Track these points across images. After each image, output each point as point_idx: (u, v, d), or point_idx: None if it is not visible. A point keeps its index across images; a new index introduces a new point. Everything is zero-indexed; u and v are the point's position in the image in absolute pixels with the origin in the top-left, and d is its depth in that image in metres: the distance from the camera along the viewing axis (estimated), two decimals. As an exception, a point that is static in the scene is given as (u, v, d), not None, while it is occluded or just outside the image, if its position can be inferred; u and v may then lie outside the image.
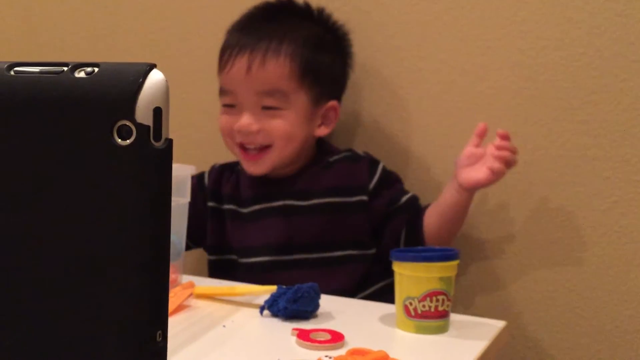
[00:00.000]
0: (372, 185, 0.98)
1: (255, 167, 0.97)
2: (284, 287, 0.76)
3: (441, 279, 0.71)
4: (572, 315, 0.99)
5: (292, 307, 0.73)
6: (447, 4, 1.03)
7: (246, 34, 0.97)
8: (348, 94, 1.06)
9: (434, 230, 0.95)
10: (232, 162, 1.06)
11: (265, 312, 0.75)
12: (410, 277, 0.71)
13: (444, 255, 0.73)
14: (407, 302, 0.71)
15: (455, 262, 0.73)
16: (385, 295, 0.90)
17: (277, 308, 0.73)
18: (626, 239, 0.96)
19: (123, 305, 0.33)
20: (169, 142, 0.33)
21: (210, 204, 1.03)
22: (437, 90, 1.05)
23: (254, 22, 0.99)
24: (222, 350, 0.64)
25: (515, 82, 1.00)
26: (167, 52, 1.25)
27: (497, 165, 0.88)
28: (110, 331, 0.33)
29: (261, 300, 0.77)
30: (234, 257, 1.01)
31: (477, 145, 0.91)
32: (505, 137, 0.89)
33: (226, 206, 1.02)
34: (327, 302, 0.79)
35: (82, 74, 0.33)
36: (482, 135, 0.92)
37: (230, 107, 0.97)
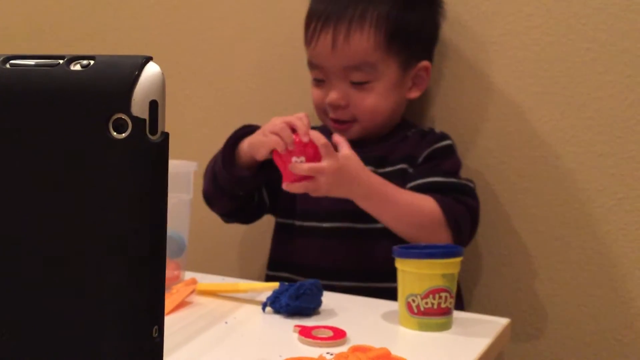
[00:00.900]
0: (421, 158, 0.95)
1: (345, 135, 0.96)
2: (286, 283, 0.75)
3: (444, 275, 0.70)
4: (577, 313, 0.98)
5: (294, 303, 0.72)
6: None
7: (330, 3, 0.94)
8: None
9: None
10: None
11: (268, 308, 0.74)
12: (413, 274, 0.71)
13: (447, 252, 0.72)
14: (409, 299, 0.71)
15: (458, 259, 0.72)
16: None
17: (279, 305, 0.73)
18: (632, 236, 0.95)
19: (119, 301, 0.32)
20: (165, 135, 0.33)
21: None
22: (440, 86, 1.05)
23: None
24: (224, 346, 0.64)
25: (520, 78, 0.99)
26: (167, 48, 1.24)
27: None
28: (107, 326, 0.32)
29: (263, 297, 0.76)
30: (301, 222, 0.99)
31: None
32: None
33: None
34: (330, 299, 0.78)
35: (77, 67, 0.33)
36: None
37: (320, 82, 0.97)
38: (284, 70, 1.09)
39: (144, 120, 0.32)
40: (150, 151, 0.32)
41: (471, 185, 0.94)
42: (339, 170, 0.83)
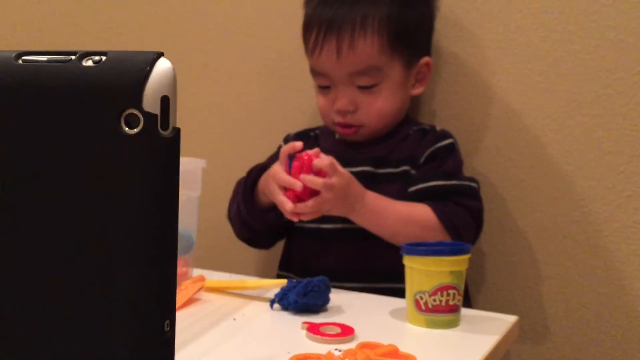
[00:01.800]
0: (422, 158, 0.94)
1: (351, 138, 0.98)
2: (294, 280, 0.75)
3: (452, 273, 0.70)
4: (585, 311, 0.98)
5: (302, 300, 0.73)
6: (459, -3, 1.02)
7: (329, 10, 0.94)
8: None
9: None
10: (306, 129, 1.06)
11: (276, 305, 0.75)
12: (421, 271, 0.71)
13: (455, 249, 0.72)
14: (417, 296, 0.71)
15: (466, 256, 0.72)
16: None
17: (287, 301, 0.73)
18: (641, 234, 0.95)
19: (131, 295, 0.33)
20: (177, 131, 0.33)
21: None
22: (449, 84, 1.04)
23: None
24: (232, 343, 0.65)
25: (528, 75, 0.99)
26: (178, 46, 1.25)
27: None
28: (119, 321, 0.33)
29: (271, 294, 0.77)
30: (303, 224, 0.98)
31: None
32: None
33: None
34: (337, 296, 0.79)
35: (89, 63, 0.33)
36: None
37: (325, 89, 0.97)
38: (293, 67, 1.09)
39: (156, 115, 0.32)
40: (161, 146, 0.32)
41: (473, 185, 0.93)
42: (345, 186, 0.84)
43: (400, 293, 0.81)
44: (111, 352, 0.33)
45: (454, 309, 0.71)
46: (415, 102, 1.07)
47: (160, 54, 0.33)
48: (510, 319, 0.74)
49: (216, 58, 1.23)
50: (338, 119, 0.96)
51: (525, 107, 1.00)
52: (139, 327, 0.33)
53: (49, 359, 0.34)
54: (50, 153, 0.34)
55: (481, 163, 1.03)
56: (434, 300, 0.70)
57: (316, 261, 0.96)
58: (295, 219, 0.85)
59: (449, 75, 1.05)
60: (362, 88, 0.94)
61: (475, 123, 1.03)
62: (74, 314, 0.33)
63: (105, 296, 0.33)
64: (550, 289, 1.00)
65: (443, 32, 1.04)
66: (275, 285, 0.79)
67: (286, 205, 0.84)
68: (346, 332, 0.66)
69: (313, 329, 0.66)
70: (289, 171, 0.85)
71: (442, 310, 0.70)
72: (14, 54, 0.34)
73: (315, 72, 0.98)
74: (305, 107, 1.13)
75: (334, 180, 0.83)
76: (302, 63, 1.04)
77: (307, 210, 0.83)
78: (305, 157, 0.84)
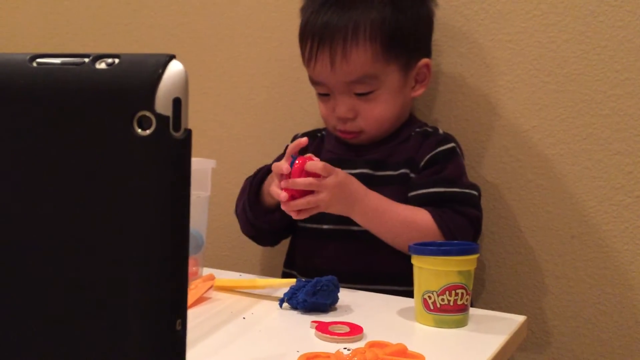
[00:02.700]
0: (423, 162, 0.94)
1: (353, 142, 0.98)
2: (303, 280, 0.76)
3: (460, 272, 0.71)
4: (593, 311, 0.98)
5: (311, 299, 0.73)
6: (467, -3, 1.02)
7: (321, 20, 0.93)
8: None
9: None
10: (315, 130, 1.07)
11: (285, 304, 0.75)
12: (429, 270, 0.71)
13: (463, 249, 0.72)
14: (426, 296, 0.71)
15: (474, 256, 0.72)
16: None
17: (296, 301, 0.74)
18: (649, 234, 0.94)
19: (143, 294, 0.33)
20: (188, 132, 0.33)
21: None
22: (457, 84, 1.05)
23: (324, 4, 0.94)
24: (242, 342, 0.65)
25: (536, 75, 0.99)
26: (188, 47, 1.25)
27: None
28: (131, 319, 0.33)
29: (280, 293, 0.77)
30: (304, 224, 0.99)
31: None
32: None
33: None
34: (346, 296, 0.79)
35: (102, 65, 0.33)
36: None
37: (325, 96, 0.98)
38: (302, 69, 1.09)
39: (168, 117, 0.33)
40: (173, 147, 0.33)
41: (474, 193, 0.92)
42: (339, 185, 0.84)
43: (400, 296, 0.81)
44: (124, 350, 0.33)
45: (463, 309, 0.71)
46: (421, 103, 1.07)
47: (172, 57, 0.33)
48: (519, 319, 0.74)
49: (225, 59, 1.24)
50: (339, 125, 0.97)
51: (533, 107, 1.00)
52: (151, 326, 0.33)
53: (61, 358, 0.35)
54: (63, 154, 0.34)
55: (488, 163, 1.03)
56: (442, 299, 0.70)
57: (316, 261, 0.97)
58: (294, 216, 0.86)
59: (456, 76, 1.05)
60: (360, 95, 0.94)
61: (482, 123, 1.03)
62: (87, 313, 0.34)
63: (117, 296, 0.33)
64: (558, 289, 1.00)
65: (451, 33, 1.04)
66: (285, 284, 0.79)
67: (280, 195, 0.84)
68: (355, 331, 0.66)
69: (322, 328, 0.66)
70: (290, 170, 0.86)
71: (451, 309, 0.70)
72: (28, 57, 0.35)
73: (313, 81, 0.98)
74: (313, 108, 1.13)
75: (328, 180, 0.83)
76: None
77: (300, 206, 0.84)
78: (299, 161, 0.84)
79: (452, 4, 1.03)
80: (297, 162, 0.84)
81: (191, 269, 0.85)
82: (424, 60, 0.97)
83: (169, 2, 1.27)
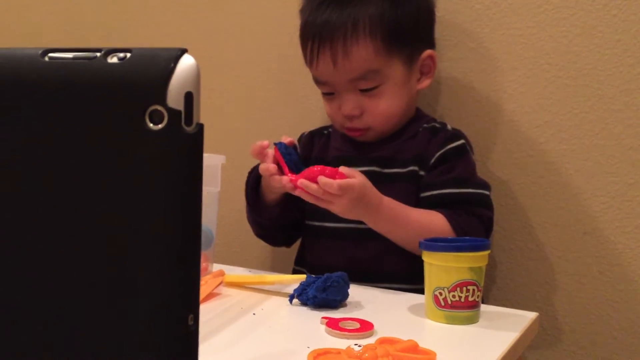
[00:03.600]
0: (433, 160, 0.93)
1: (361, 139, 0.97)
2: (313, 276, 0.76)
3: (471, 269, 0.70)
4: (606, 307, 0.97)
5: (321, 295, 0.73)
6: (478, -9, 1.01)
7: (319, 20, 0.93)
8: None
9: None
10: (321, 127, 1.07)
11: (295, 300, 0.75)
12: (440, 267, 0.71)
13: (475, 245, 0.72)
14: (437, 292, 0.71)
15: (485, 252, 0.72)
16: None
17: (306, 297, 0.74)
18: (663, 230, 0.94)
19: (155, 289, 0.33)
20: (200, 126, 0.33)
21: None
22: (468, 79, 1.04)
23: (322, 3, 0.94)
24: (252, 337, 0.65)
25: (548, 70, 0.98)
26: (197, 42, 1.25)
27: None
28: (143, 314, 0.33)
29: (290, 289, 0.77)
30: (310, 222, 1.00)
31: None
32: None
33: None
34: (356, 292, 0.79)
35: (114, 60, 0.33)
36: None
37: (330, 95, 0.97)
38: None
39: (180, 111, 0.32)
40: (185, 142, 0.33)
41: (486, 193, 0.92)
42: (353, 201, 0.82)
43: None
44: (136, 346, 0.33)
45: (474, 305, 0.71)
46: (432, 98, 1.07)
47: (184, 51, 0.33)
48: (530, 315, 0.74)
49: (236, 55, 1.24)
50: (346, 123, 0.96)
51: (545, 102, 0.99)
52: (164, 321, 0.33)
53: (76, 354, 0.35)
54: (74, 149, 0.34)
55: (499, 159, 1.02)
56: (453, 296, 0.70)
57: (323, 259, 0.96)
58: (296, 193, 0.84)
59: (467, 71, 1.04)
60: (365, 91, 0.93)
61: (493, 119, 1.02)
62: (99, 308, 0.34)
63: (130, 291, 0.33)
64: (570, 285, 0.99)
65: (461, 28, 1.04)
66: (294, 280, 0.79)
67: (282, 180, 0.84)
68: (365, 327, 0.66)
69: (332, 324, 0.66)
70: (285, 163, 0.86)
71: (462, 306, 0.70)
72: (40, 51, 0.35)
73: (317, 81, 0.98)
74: (323, 104, 1.13)
75: (342, 198, 0.81)
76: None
77: (311, 190, 0.81)
78: (317, 168, 0.83)
79: (463, -2, 1.02)
80: (315, 168, 0.83)
81: (202, 264, 0.85)
82: (428, 52, 0.96)
83: (178, -3, 1.27)
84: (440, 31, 1.03)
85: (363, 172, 0.92)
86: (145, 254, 0.33)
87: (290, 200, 0.94)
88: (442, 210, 0.87)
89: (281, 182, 0.85)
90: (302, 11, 0.98)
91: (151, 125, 0.33)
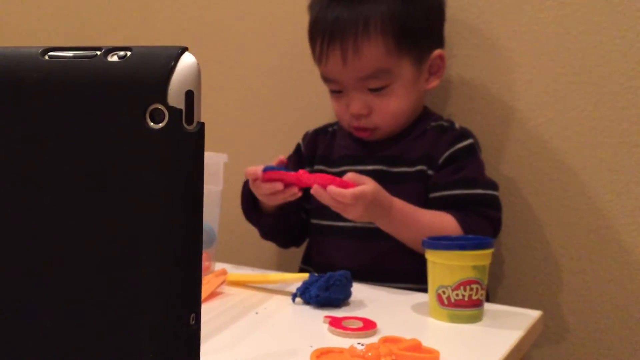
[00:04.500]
0: (441, 160, 0.93)
1: (368, 139, 0.97)
2: (316, 274, 0.76)
3: (475, 267, 0.70)
4: (610, 306, 0.97)
5: (324, 294, 0.73)
6: (482, -12, 1.01)
7: (330, 16, 0.92)
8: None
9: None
10: (325, 125, 1.06)
11: (297, 299, 0.75)
12: (444, 265, 0.71)
13: (478, 243, 0.72)
14: (440, 291, 0.70)
15: (489, 251, 0.72)
16: None
17: (309, 295, 0.74)
18: (668, 228, 0.93)
19: (157, 288, 0.33)
20: (201, 125, 0.33)
21: (307, 168, 1.02)
22: (471, 77, 1.03)
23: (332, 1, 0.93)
24: (254, 336, 0.65)
25: (552, 67, 0.98)
26: (199, 40, 1.25)
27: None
28: (144, 314, 0.33)
29: (293, 288, 0.77)
30: (316, 220, 0.99)
31: None
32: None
33: (316, 167, 1.01)
34: (359, 290, 0.79)
35: (115, 58, 0.33)
36: None
37: (338, 93, 0.96)
38: (311, 62, 1.09)
39: (181, 110, 0.32)
40: (186, 141, 0.32)
41: (495, 194, 0.92)
42: (364, 209, 0.81)
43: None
44: (138, 345, 0.33)
45: (477, 304, 0.70)
46: (437, 97, 1.06)
47: (184, 49, 0.33)
48: (534, 314, 0.74)
49: (237, 53, 1.23)
50: (353, 122, 0.96)
51: (549, 99, 0.98)
52: (165, 320, 0.33)
53: (77, 353, 0.34)
54: (74, 148, 0.34)
55: (504, 156, 1.02)
56: (457, 294, 0.70)
57: (329, 258, 0.96)
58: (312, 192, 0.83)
59: (471, 69, 1.03)
60: (374, 90, 0.93)
61: (498, 117, 1.02)
62: (101, 308, 0.34)
63: (130, 291, 0.33)
64: (575, 284, 0.99)
65: (465, 25, 1.03)
66: (297, 279, 0.79)
67: (292, 189, 0.85)
68: (368, 326, 0.65)
69: (335, 323, 0.66)
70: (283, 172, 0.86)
71: (465, 304, 0.70)
72: (40, 50, 0.34)
73: (325, 79, 0.97)
74: (325, 102, 1.13)
75: (365, 188, 0.80)
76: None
77: (323, 200, 0.81)
78: (329, 180, 0.82)
79: (466, -5, 1.02)
80: (325, 176, 0.82)
81: (204, 263, 0.85)
82: (437, 51, 0.95)
83: (181, -5, 1.27)
84: (444, 28, 1.02)
85: (370, 171, 0.92)
86: (146, 253, 0.33)
87: (290, 204, 0.94)
88: (451, 212, 0.87)
89: (288, 193, 0.85)
90: (312, 7, 0.97)
91: (152, 124, 0.32)
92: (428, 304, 0.73)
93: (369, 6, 0.91)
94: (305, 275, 0.77)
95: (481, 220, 0.88)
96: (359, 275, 0.83)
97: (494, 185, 0.93)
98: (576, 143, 0.97)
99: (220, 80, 1.24)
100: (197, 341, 0.34)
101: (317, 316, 0.70)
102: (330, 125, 1.06)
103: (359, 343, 0.60)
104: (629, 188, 0.95)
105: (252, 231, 1.05)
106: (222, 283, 0.79)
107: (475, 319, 0.71)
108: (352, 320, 0.67)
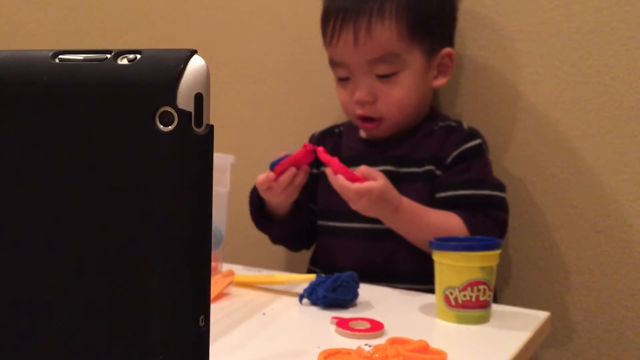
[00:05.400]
0: (449, 159, 0.93)
1: (374, 132, 0.97)
2: (323, 275, 0.76)
3: (482, 268, 0.70)
4: (618, 307, 0.96)
5: (331, 295, 0.73)
6: (488, -12, 1.01)
7: None
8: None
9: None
10: (331, 126, 1.07)
11: (305, 300, 0.75)
12: (451, 266, 0.70)
13: (486, 244, 0.71)
14: (447, 292, 0.70)
15: (497, 252, 0.72)
16: None
17: (316, 296, 0.74)
18: (676, 229, 0.93)
19: (166, 290, 0.33)
20: (210, 128, 0.33)
21: (313, 170, 1.01)
22: (478, 77, 1.03)
23: None
24: (262, 337, 0.65)
25: (560, 67, 0.97)
26: (206, 42, 1.25)
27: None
28: (154, 316, 0.33)
29: (300, 289, 0.77)
30: (322, 222, 1.00)
31: None
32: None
33: (322, 168, 1.01)
34: (366, 291, 0.78)
35: (124, 61, 0.33)
36: None
37: (344, 81, 0.96)
38: (321, 63, 1.09)
39: (190, 113, 0.32)
40: (195, 143, 0.32)
41: (502, 195, 0.92)
42: (371, 205, 0.81)
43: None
44: (147, 347, 0.33)
45: (485, 305, 0.70)
46: (443, 97, 1.06)
47: (193, 52, 0.33)
48: (542, 315, 0.73)
49: (244, 54, 1.23)
50: (358, 110, 0.95)
51: (556, 99, 0.98)
52: (174, 323, 0.33)
53: (86, 355, 0.35)
54: (84, 150, 0.34)
55: (511, 157, 1.02)
56: (464, 295, 0.70)
57: (336, 259, 0.96)
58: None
59: (477, 68, 1.03)
60: (381, 77, 0.92)
61: (504, 116, 1.01)
62: (110, 311, 0.34)
63: (140, 293, 0.33)
64: (583, 285, 0.99)
65: (472, 24, 1.03)
66: (304, 280, 0.79)
67: (305, 167, 0.87)
68: (376, 327, 0.65)
69: (342, 324, 0.66)
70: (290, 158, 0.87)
71: (472, 306, 0.70)
72: (50, 53, 0.35)
73: (333, 63, 0.97)
74: (332, 103, 1.13)
75: (373, 183, 0.81)
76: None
77: (334, 186, 0.82)
78: (342, 169, 0.82)
79: (473, -5, 1.02)
80: (340, 166, 0.83)
81: (211, 264, 0.85)
82: (448, 49, 0.96)
83: (187, -3, 1.27)
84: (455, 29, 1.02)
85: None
86: (155, 256, 0.33)
87: (299, 208, 0.94)
88: (459, 212, 0.87)
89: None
90: None
91: (161, 126, 0.32)
92: (435, 305, 0.73)
93: None
94: (312, 276, 0.77)
95: (488, 221, 0.88)
96: (367, 276, 0.83)
97: (501, 187, 0.92)
98: (583, 143, 0.97)
99: (227, 81, 1.25)
100: (206, 343, 0.34)
101: (325, 317, 0.70)
102: (337, 126, 1.06)
103: (366, 344, 0.60)
104: (636, 188, 0.94)
105: (259, 232, 1.05)
106: (230, 284, 0.79)
107: (483, 320, 0.71)
108: (359, 322, 0.67)
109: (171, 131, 0.32)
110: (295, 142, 1.08)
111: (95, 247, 0.34)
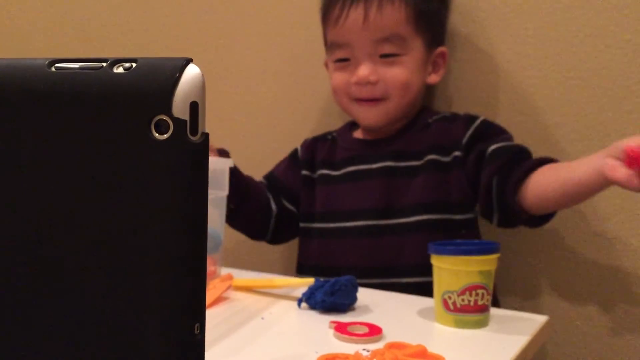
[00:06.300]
0: (465, 139, 0.93)
1: (372, 115, 0.96)
2: (322, 279, 0.76)
3: (481, 272, 0.70)
4: (618, 310, 0.96)
5: (330, 299, 0.73)
6: (487, -8, 1.01)
7: None
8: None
9: (544, 194, 0.83)
10: (324, 133, 1.07)
11: (303, 304, 0.75)
12: (449, 270, 0.70)
13: (484, 248, 0.71)
14: (446, 296, 0.70)
15: (495, 256, 0.71)
16: None
17: (314, 300, 0.74)
18: (675, 232, 0.93)
19: (161, 299, 0.33)
20: (206, 136, 0.33)
21: (303, 172, 1.03)
22: (477, 80, 1.03)
23: None
24: (260, 342, 0.65)
25: (558, 71, 0.97)
26: (202, 46, 1.26)
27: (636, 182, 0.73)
28: (149, 324, 0.33)
29: (299, 293, 0.77)
30: (322, 224, 1.00)
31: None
32: None
33: (319, 172, 1.02)
34: (364, 295, 0.79)
35: (120, 70, 0.33)
36: None
37: (344, 62, 0.97)
38: (318, 67, 1.09)
39: (185, 121, 0.32)
40: (191, 151, 0.33)
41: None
42: None
43: (423, 287, 0.80)
44: (143, 355, 0.33)
45: (483, 309, 0.70)
46: (441, 99, 1.06)
47: (189, 60, 0.33)
48: (541, 319, 0.73)
49: (239, 59, 1.24)
50: (357, 93, 0.95)
51: (555, 103, 0.98)
52: (170, 331, 0.33)
53: (83, 360, 0.35)
54: (80, 159, 0.34)
55: (510, 160, 1.02)
56: (463, 300, 0.70)
57: (342, 260, 0.96)
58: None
59: (476, 72, 1.03)
60: (386, 57, 0.93)
61: (503, 120, 1.01)
62: (106, 317, 0.34)
63: (135, 301, 0.33)
64: (581, 288, 0.99)
65: (471, 28, 1.03)
66: (303, 284, 0.79)
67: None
68: (374, 331, 0.65)
69: (341, 328, 0.66)
70: None
71: (471, 310, 0.70)
72: (47, 61, 0.35)
73: (335, 45, 0.97)
74: (330, 108, 1.13)
75: None
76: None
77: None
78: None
79: (471, -1, 1.02)
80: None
81: (209, 268, 0.85)
82: (442, 48, 0.98)
83: (183, 2, 1.27)
84: (449, 31, 1.03)
85: (377, 168, 0.93)
86: (151, 264, 0.33)
87: (256, 192, 0.95)
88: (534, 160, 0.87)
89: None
90: None
91: (157, 135, 0.33)
92: (434, 309, 0.73)
93: None
94: (310, 280, 0.77)
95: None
96: (374, 272, 0.83)
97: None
98: (582, 147, 0.97)
99: (224, 86, 1.25)
100: (201, 351, 0.34)
101: (323, 321, 0.70)
102: (329, 133, 1.06)
103: (364, 349, 0.60)
104: (634, 193, 0.94)
105: (258, 235, 1.05)
106: (228, 288, 0.79)
107: (481, 324, 0.70)
108: (357, 326, 0.67)
109: (166, 139, 0.32)
110: (293, 146, 1.09)
111: (90, 255, 0.34)
